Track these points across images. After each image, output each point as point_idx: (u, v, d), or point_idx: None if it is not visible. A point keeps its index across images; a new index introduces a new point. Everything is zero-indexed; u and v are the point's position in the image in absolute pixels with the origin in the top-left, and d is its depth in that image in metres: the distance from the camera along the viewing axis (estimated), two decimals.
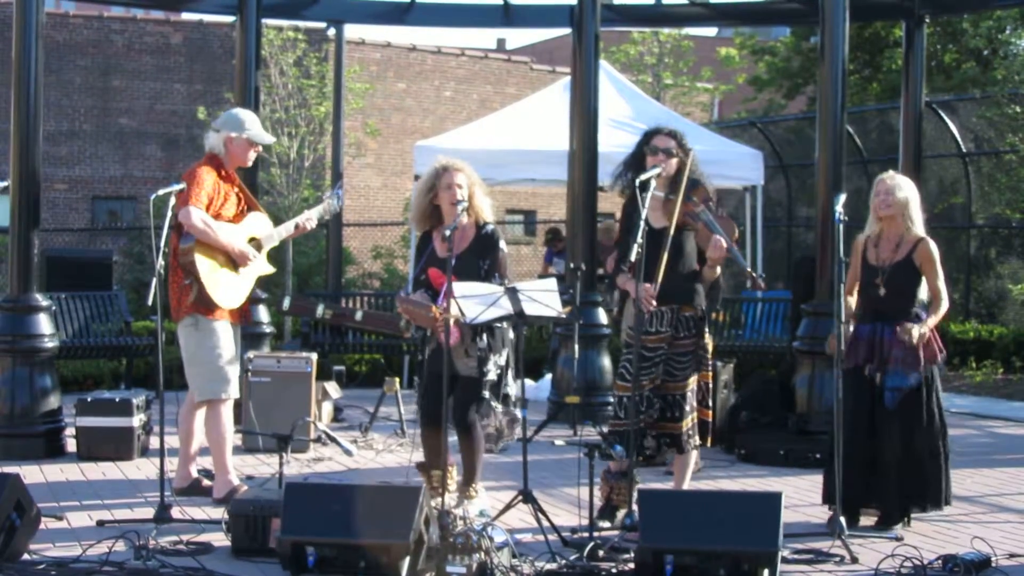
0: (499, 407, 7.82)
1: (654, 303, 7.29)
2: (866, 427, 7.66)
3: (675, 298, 7.43)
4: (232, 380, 8.14)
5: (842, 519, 7.13)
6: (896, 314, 7.67)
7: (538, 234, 27.82)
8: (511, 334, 7.88)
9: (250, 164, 8.55)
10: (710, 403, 7.69)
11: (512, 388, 7.89)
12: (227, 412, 8.16)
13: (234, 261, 8.08)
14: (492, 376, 7.80)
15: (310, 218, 8.51)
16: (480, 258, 7.81)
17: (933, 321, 7.66)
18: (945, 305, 7.72)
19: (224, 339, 8.10)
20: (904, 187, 7.77)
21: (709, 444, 7.80)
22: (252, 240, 8.22)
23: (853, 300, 7.90)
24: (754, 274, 7.41)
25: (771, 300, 14.41)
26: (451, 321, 7.42)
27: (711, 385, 7.74)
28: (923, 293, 7.82)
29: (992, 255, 19.68)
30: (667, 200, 7.49)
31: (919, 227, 7.78)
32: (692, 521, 6.30)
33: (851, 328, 7.73)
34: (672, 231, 7.34)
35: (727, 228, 7.39)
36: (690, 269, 7.52)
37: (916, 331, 7.54)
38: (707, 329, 7.62)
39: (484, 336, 7.78)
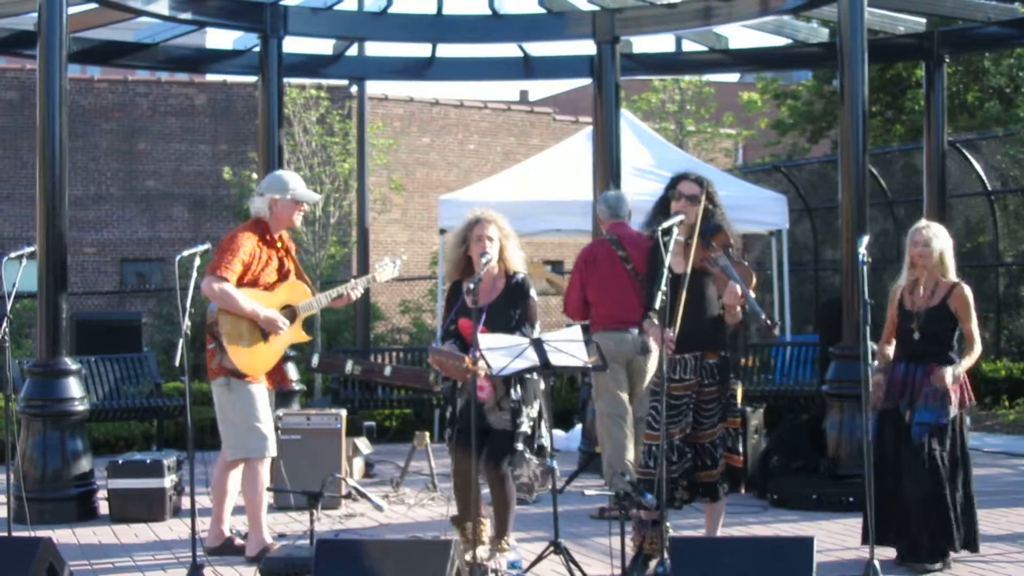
0: (533, 459, 7.78)
1: (673, 345, 7.25)
2: (901, 468, 7.68)
3: (698, 344, 7.43)
4: (268, 437, 8.11)
5: (876, 562, 7.09)
6: (931, 358, 7.78)
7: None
8: (542, 385, 7.85)
9: (298, 224, 8.53)
10: (740, 449, 7.67)
11: (546, 439, 7.85)
12: (264, 470, 8.15)
13: (262, 329, 8.08)
14: (525, 428, 7.73)
15: (356, 287, 8.42)
16: (512, 307, 7.79)
17: (967, 363, 7.80)
18: (978, 349, 7.87)
19: (259, 398, 8.09)
20: (940, 236, 7.93)
21: (743, 491, 7.78)
22: (286, 308, 8.18)
23: (891, 350, 8.00)
24: (768, 321, 7.33)
25: (799, 344, 14.44)
26: (481, 375, 7.40)
27: (739, 431, 7.72)
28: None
29: (1022, 292, 19.57)
30: (687, 245, 7.48)
31: (952, 272, 7.94)
32: (725, 568, 6.27)
33: (882, 376, 7.81)
34: (688, 276, 7.31)
35: (744, 275, 7.38)
36: (713, 315, 7.50)
37: (949, 375, 7.62)
38: (732, 375, 7.61)
39: (517, 388, 7.75)
